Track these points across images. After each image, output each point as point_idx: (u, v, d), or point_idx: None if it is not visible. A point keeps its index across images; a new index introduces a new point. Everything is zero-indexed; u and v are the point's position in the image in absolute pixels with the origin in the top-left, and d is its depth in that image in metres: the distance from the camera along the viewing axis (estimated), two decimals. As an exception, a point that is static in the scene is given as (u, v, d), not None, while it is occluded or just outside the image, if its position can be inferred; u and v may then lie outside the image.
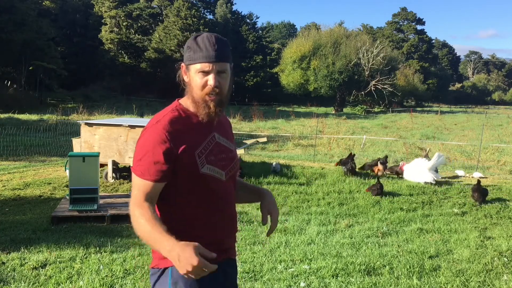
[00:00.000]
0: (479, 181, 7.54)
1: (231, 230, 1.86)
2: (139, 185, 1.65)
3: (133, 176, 1.68)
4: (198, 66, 1.67)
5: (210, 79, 1.67)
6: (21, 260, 4.28)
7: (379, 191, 7.50)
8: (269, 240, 5.19)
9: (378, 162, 9.44)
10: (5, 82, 34.05)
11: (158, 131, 1.65)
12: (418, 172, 8.77)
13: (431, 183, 8.52)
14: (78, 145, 8.56)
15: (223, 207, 1.79)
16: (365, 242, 5.24)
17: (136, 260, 4.39)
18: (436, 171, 9.07)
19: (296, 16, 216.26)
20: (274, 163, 9.66)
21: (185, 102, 1.76)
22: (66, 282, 3.85)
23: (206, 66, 1.67)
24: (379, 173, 9.13)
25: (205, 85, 1.68)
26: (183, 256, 1.43)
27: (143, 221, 1.57)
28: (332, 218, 6.30)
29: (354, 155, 9.81)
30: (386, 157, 9.86)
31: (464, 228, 5.94)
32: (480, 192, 7.25)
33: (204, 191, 1.72)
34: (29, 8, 33.60)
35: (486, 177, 9.69)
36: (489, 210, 6.90)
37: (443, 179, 9.18)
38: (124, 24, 49.40)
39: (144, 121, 10.82)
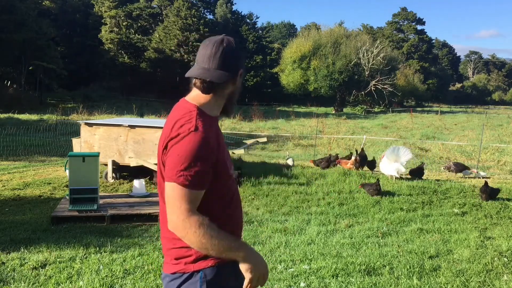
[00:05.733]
0: (486, 182, 7.61)
1: (242, 226, 1.93)
2: (184, 196, 1.57)
3: (174, 187, 1.58)
4: (242, 70, 1.77)
5: (240, 81, 1.79)
6: (21, 260, 4.28)
7: (378, 189, 7.51)
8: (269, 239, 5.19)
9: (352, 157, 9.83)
10: (5, 82, 34.03)
11: (199, 140, 1.59)
12: (386, 166, 8.94)
13: (395, 177, 8.74)
14: (78, 145, 8.56)
15: (240, 203, 1.87)
16: (365, 242, 5.23)
17: (136, 260, 4.39)
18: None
19: (296, 16, 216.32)
20: (287, 157, 9.96)
21: (199, 102, 1.73)
22: (66, 282, 3.85)
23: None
24: (350, 167, 9.47)
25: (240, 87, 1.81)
26: (259, 262, 1.69)
27: (208, 231, 1.57)
28: (332, 218, 6.30)
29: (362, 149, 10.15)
30: (351, 153, 10.27)
31: (464, 228, 5.94)
32: (487, 193, 7.37)
33: (230, 191, 1.77)
34: (29, 8, 33.61)
35: (489, 177, 9.70)
36: (489, 210, 6.90)
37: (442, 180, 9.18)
38: (124, 24, 49.38)
39: (144, 121, 10.81)
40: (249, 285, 1.64)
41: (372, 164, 9.76)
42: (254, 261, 1.65)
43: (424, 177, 9.12)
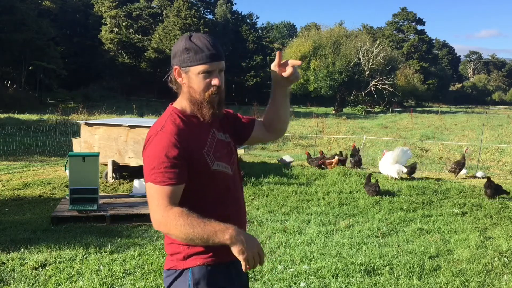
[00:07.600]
0: (489, 178, 7.70)
1: (242, 224, 1.85)
2: (159, 193, 1.60)
3: (149, 186, 1.63)
4: (200, 67, 1.66)
5: (215, 79, 1.69)
6: (21, 260, 4.28)
7: (377, 190, 7.52)
8: (269, 240, 5.19)
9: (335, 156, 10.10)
10: (5, 82, 34.07)
11: (166, 137, 1.64)
12: (386, 166, 8.98)
13: (396, 178, 8.79)
14: (78, 145, 8.56)
15: (234, 201, 1.82)
16: (365, 242, 5.23)
17: (136, 260, 4.39)
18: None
19: (296, 16, 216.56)
20: (284, 157, 10.23)
21: (180, 105, 1.77)
22: (66, 282, 3.85)
23: (211, 67, 1.67)
24: (333, 166, 9.68)
25: (209, 85, 1.69)
26: (249, 240, 1.56)
27: (189, 220, 1.54)
28: (332, 218, 6.30)
29: (359, 148, 10.54)
30: (341, 152, 10.62)
31: (464, 228, 5.94)
32: (492, 188, 7.47)
33: (216, 188, 1.74)
34: (29, 8, 33.68)
35: (489, 177, 9.69)
36: (489, 210, 6.90)
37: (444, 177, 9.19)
38: (124, 24, 49.40)
39: (144, 121, 10.81)
40: (247, 267, 1.56)
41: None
42: (243, 241, 1.54)
43: (424, 176, 9.24)
